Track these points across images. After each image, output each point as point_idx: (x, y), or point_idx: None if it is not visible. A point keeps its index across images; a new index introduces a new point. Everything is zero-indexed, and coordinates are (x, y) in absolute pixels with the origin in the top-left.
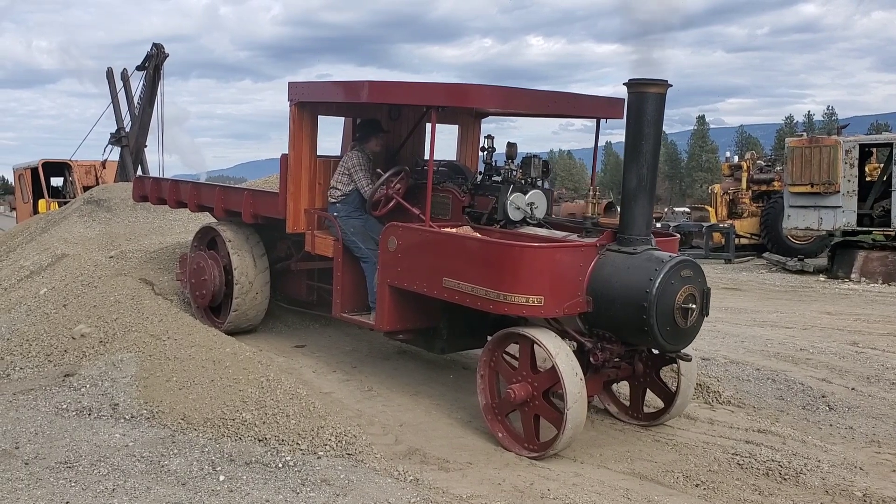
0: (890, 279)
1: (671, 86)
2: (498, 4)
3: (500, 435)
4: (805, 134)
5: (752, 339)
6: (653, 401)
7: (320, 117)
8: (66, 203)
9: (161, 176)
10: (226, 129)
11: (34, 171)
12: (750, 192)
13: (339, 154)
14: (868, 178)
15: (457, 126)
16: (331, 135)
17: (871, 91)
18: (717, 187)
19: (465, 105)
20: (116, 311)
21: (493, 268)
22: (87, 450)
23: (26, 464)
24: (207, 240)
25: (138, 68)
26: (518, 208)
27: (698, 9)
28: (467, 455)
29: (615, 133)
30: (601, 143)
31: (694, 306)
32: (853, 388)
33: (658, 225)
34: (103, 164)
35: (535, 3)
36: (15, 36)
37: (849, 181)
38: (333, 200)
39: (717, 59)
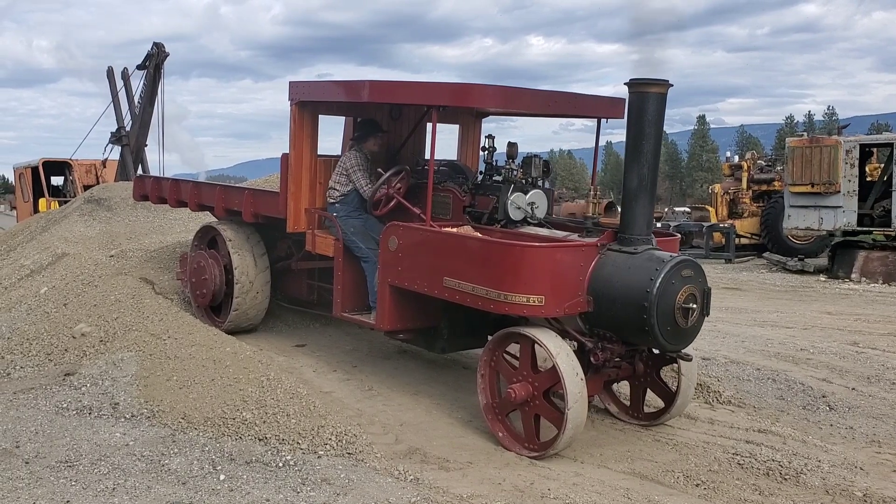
0: (890, 279)
1: (672, 86)
2: (498, 4)
3: (500, 434)
4: (805, 134)
5: (753, 339)
6: (653, 401)
7: (321, 117)
8: (66, 202)
9: (161, 175)
10: (226, 129)
11: (34, 170)
12: (750, 191)
13: (339, 154)
14: (868, 178)
15: (457, 126)
16: (332, 134)
17: (872, 91)
18: (717, 187)
19: (466, 105)
20: (117, 310)
21: (494, 267)
22: (87, 449)
23: (27, 463)
24: (208, 239)
25: (139, 67)
26: (519, 208)
27: (699, 9)
28: (468, 454)
29: (616, 133)
30: (601, 142)
31: (694, 306)
32: (853, 388)
33: (658, 225)
34: (104, 163)
35: (535, 3)
36: (15, 35)
37: (849, 181)
38: (332, 201)
39: (718, 59)
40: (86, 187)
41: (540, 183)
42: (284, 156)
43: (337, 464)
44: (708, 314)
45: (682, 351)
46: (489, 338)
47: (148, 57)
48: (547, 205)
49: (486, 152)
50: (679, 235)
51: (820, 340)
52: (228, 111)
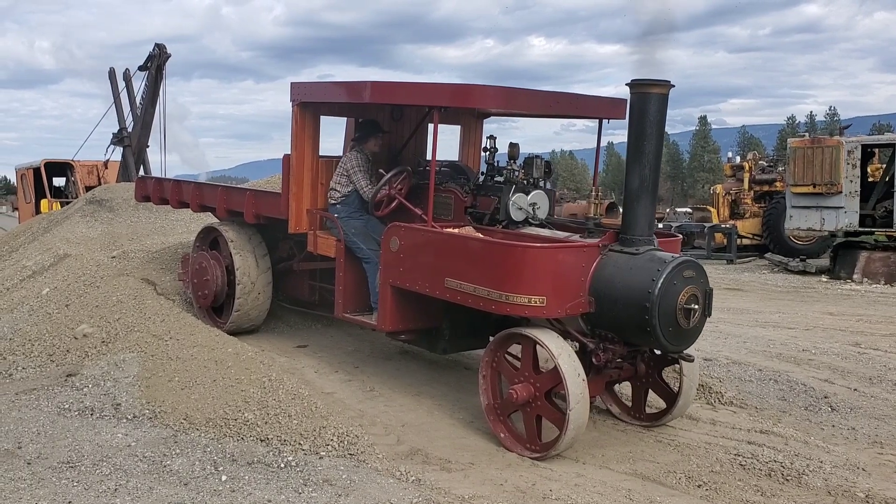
0: (892, 280)
1: (673, 86)
2: (500, 5)
3: (502, 435)
4: (807, 134)
5: (755, 340)
6: (655, 401)
7: (323, 118)
8: (68, 203)
9: (163, 176)
10: (228, 130)
11: (36, 171)
12: (752, 192)
13: (341, 154)
14: (870, 179)
15: (459, 126)
16: (333, 135)
17: (874, 92)
18: (719, 188)
19: (468, 105)
20: (119, 311)
21: (496, 268)
22: (89, 450)
23: (29, 464)
24: (210, 240)
25: (140, 68)
26: (520, 209)
27: (700, 9)
28: (469, 455)
29: (617, 133)
30: (603, 143)
31: (696, 307)
32: (855, 389)
33: (660, 225)
34: (105, 164)
35: (537, 4)
36: (17, 36)
37: (851, 182)
38: (333, 202)
39: (720, 59)
40: (88, 188)
41: (541, 184)
42: (286, 157)
43: (339, 465)
44: (709, 315)
45: (684, 352)
46: (491, 339)
47: (149, 58)
48: (548, 205)
49: (488, 153)
50: (680, 236)
51: (822, 341)
52: (230, 112)
